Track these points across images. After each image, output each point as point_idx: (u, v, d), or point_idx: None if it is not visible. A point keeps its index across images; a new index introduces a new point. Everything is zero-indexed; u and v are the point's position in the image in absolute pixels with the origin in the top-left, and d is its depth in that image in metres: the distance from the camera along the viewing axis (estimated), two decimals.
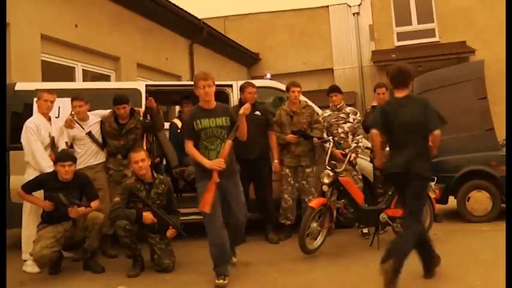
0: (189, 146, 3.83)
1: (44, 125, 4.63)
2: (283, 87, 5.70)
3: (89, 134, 4.96)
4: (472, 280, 3.59)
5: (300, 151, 5.32)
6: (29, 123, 4.54)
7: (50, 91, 4.71)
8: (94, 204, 4.46)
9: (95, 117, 5.06)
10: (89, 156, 4.95)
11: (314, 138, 5.28)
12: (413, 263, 4.17)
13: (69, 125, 4.88)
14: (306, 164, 5.34)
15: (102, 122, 5.08)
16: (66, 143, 4.86)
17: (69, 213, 4.26)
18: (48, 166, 4.49)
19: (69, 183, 4.36)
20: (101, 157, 5.05)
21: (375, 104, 5.66)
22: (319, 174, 4.81)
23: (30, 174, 4.50)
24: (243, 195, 4.03)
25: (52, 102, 4.70)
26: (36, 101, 4.73)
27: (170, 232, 4.28)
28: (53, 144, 4.69)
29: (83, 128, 4.95)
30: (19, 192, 4.37)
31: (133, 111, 5.07)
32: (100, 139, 5.05)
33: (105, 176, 5.04)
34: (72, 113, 4.91)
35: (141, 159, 4.25)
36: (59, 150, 4.66)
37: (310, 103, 5.76)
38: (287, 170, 5.36)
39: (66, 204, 4.24)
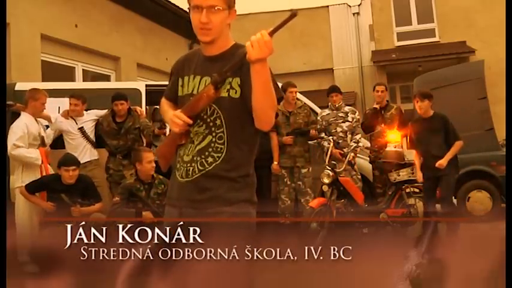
0: (162, 103, 1.99)
1: (34, 126, 4.60)
2: None
3: (81, 129, 4.96)
4: None
5: (295, 152, 5.33)
6: (17, 129, 4.44)
7: (45, 92, 4.69)
8: (97, 205, 4.46)
9: (89, 116, 5.08)
10: (81, 152, 4.90)
11: (311, 131, 5.28)
12: None
13: (65, 115, 4.92)
14: (301, 165, 5.35)
15: (99, 122, 5.09)
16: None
17: (72, 213, 4.26)
18: (36, 159, 4.48)
19: (73, 185, 4.36)
20: (93, 155, 5.03)
21: (376, 105, 5.65)
22: (318, 174, 4.82)
23: (19, 175, 4.51)
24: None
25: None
26: (31, 102, 4.57)
27: None
28: (42, 144, 4.68)
29: (76, 123, 4.96)
30: (22, 192, 4.37)
31: (130, 110, 5.08)
32: (93, 137, 5.05)
33: (102, 173, 5.05)
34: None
35: (153, 160, 4.29)
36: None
37: (308, 102, 5.77)
38: (283, 171, 5.36)
39: (69, 203, 4.25)
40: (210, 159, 1.71)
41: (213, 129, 1.72)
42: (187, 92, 1.80)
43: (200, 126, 1.74)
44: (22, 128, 4.45)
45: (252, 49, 1.50)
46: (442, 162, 4.33)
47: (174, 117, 1.71)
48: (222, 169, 1.70)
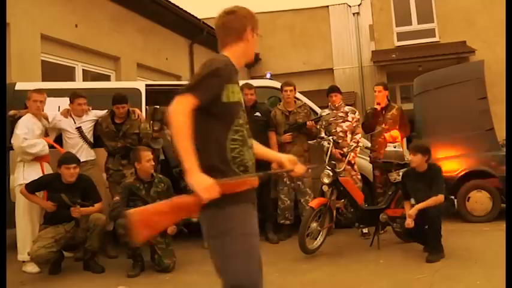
0: (187, 113, 1.71)
1: (35, 125, 4.65)
2: None
3: (79, 129, 4.97)
4: (472, 280, 3.59)
5: (295, 151, 5.33)
6: (21, 127, 4.54)
7: (39, 91, 4.73)
8: (97, 205, 4.46)
9: (88, 116, 5.09)
10: (77, 152, 4.87)
11: (308, 122, 5.28)
12: (413, 263, 4.18)
13: (65, 113, 4.94)
14: None
15: (98, 123, 5.09)
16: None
17: (71, 213, 4.28)
18: (43, 146, 4.58)
19: (73, 185, 4.37)
20: (89, 155, 5.04)
21: (376, 106, 5.65)
22: (318, 174, 4.82)
23: (20, 173, 4.55)
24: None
25: (42, 101, 4.70)
26: (27, 103, 4.71)
27: (171, 229, 4.28)
28: (45, 135, 4.75)
29: (74, 122, 4.97)
30: (22, 191, 4.38)
31: (129, 113, 5.08)
32: (90, 137, 5.05)
33: (98, 173, 5.05)
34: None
35: (152, 158, 4.42)
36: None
37: (308, 102, 5.76)
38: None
39: (69, 204, 4.26)
40: None
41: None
42: (234, 100, 1.86)
43: (247, 126, 1.93)
44: (26, 125, 4.56)
45: (295, 171, 2.25)
46: (411, 213, 4.25)
47: (212, 188, 1.67)
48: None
